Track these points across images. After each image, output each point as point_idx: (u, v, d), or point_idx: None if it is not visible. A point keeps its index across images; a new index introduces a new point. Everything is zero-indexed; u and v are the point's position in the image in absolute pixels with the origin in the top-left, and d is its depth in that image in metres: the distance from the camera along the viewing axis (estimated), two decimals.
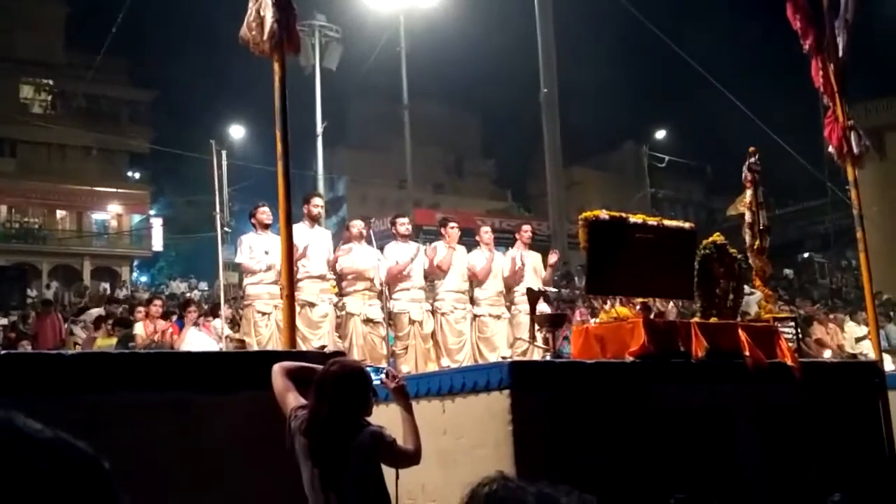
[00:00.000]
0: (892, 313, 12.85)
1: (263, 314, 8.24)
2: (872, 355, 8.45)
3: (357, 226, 9.14)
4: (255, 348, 7.87)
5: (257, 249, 8.42)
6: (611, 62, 22.55)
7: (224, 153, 17.41)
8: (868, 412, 6.51)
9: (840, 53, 10.39)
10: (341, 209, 31.57)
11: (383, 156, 30.26)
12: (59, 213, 38.97)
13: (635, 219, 6.79)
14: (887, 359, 9.05)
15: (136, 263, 39.61)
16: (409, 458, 3.94)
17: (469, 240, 9.84)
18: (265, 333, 8.18)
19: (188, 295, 23.27)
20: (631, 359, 5.70)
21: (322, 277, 8.60)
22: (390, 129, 26.15)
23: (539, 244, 11.21)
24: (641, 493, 4.85)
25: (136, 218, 39.77)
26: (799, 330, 8.22)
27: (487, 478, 0.98)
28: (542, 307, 8.17)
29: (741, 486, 5.46)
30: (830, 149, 9.63)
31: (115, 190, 38.43)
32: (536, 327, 6.85)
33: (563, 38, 22.83)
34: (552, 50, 22.09)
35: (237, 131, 30.92)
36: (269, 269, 8.29)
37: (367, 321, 8.67)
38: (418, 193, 25.79)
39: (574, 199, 25.05)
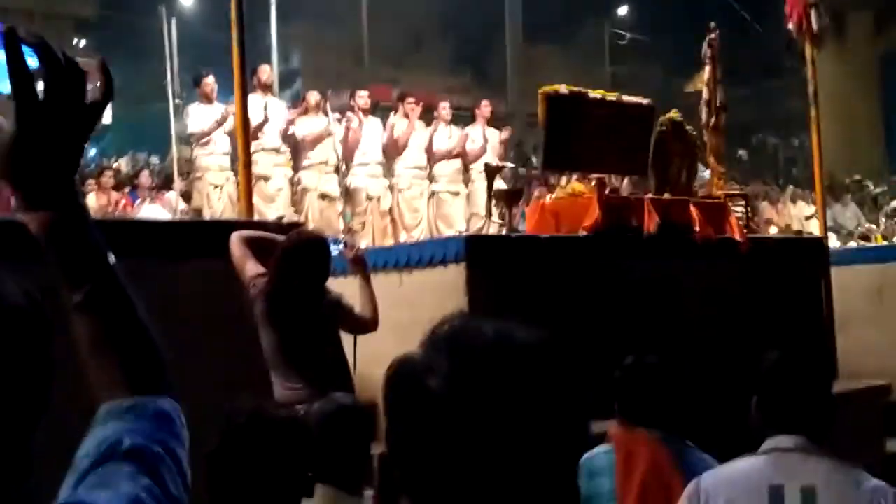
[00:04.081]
0: (848, 195, 13.14)
1: (216, 186, 8.16)
2: (818, 233, 8.70)
3: (314, 96, 8.99)
4: None
5: (205, 120, 8.26)
6: None
7: (174, 20, 16.76)
8: (811, 286, 6.75)
9: None
10: (295, 83, 30.78)
11: (340, 29, 29.36)
12: None
13: (594, 94, 6.77)
14: (832, 237, 9.33)
15: None
16: (367, 324, 4.04)
17: (427, 116, 9.75)
18: (218, 207, 8.12)
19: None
20: (585, 233, 5.80)
21: (277, 150, 8.49)
22: (347, 2, 25.28)
23: (497, 123, 11.14)
24: (592, 357, 5.02)
25: None
26: (749, 208, 8.40)
27: (448, 315, 1.01)
28: (499, 183, 8.21)
29: (689, 353, 5.67)
30: (790, 25, 9.57)
31: None
32: (493, 202, 6.91)
33: None
34: None
35: None
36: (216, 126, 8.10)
37: (323, 196, 8.64)
38: (375, 69, 25.24)
39: (534, 77, 24.71)
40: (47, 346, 0.90)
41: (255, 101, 7.92)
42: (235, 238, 3.92)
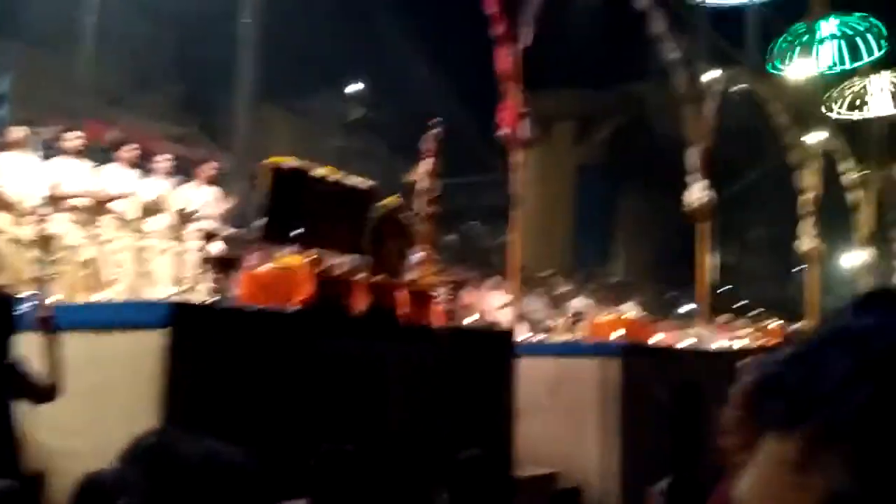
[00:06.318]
0: (540, 289, 14.32)
1: None
2: (510, 323, 9.41)
3: (19, 131, 8.30)
4: None
5: None
6: (321, 3, 22.34)
7: None
8: (498, 374, 7.24)
9: (525, 43, 11.30)
10: (1, 108, 28.14)
11: (61, 58, 27.36)
12: None
13: (318, 171, 6.92)
14: (522, 327, 10.12)
15: None
16: (46, 393, 3.76)
17: (145, 164, 9.37)
18: None
19: None
20: (295, 308, 5.83)
21: None
22: (73, 30, 23.69)
23: (221, 181, 10.94)
24: (290, 440, 5.01)
25: None
26: (453, 294, 8.92)
27: (152, 430, 1.00)
28: (214, 247, 8.03)
29: (386, 437, 5.85)
30: (502, 131, 10.44)
31: None
32: (205, 267, 6.75)
33: None
34: None
35: None
36: None
37: (14, 240, 7.93)
38: (93, 103, 23.70)
39: (264, 138, 24.65)
40: None
41: None
42: None
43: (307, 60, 23.56)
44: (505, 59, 10.97)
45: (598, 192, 26.62)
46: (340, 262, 6.82)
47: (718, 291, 16.07)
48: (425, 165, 8.88)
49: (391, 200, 7.58)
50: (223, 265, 6.51)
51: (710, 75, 15.92)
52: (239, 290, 6.38)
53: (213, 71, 23.55)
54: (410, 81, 24.16)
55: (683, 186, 13.54)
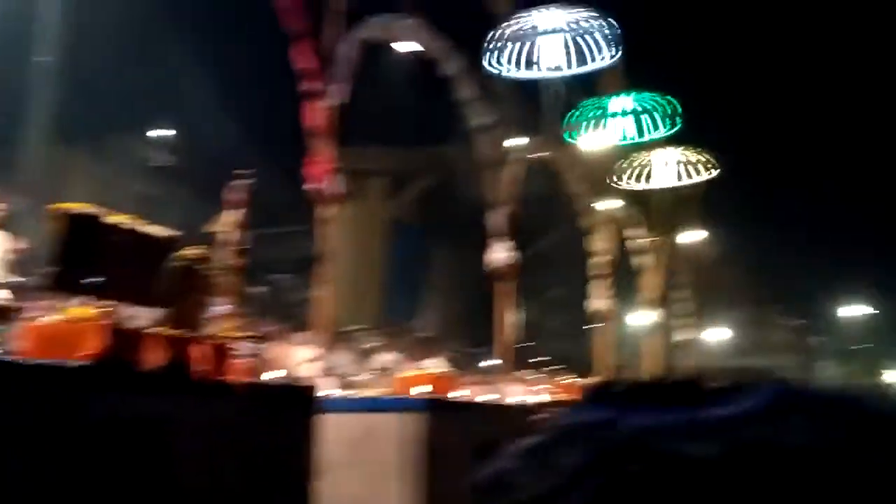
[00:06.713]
0: (347, 343, 14.26)
1: None
2: (316, 378, 9.30)
3: None
4: None
5: None
6: (127, 45, 21.52)
7: None
8: (300, 431, 7.09)
9: (339, 100, 11.43)
10: None
11: None
12: None
13: (112, 218, 6.60)
14: (327, 382, 10.02)
15: None
16: None
17: None
18: None
19: None
20: (82, 363, 5.48)
21: None
22: None
23: (8, 224, 10.16)
24: None
25: None
26: (257, 348, 8.71)
27: None
28: None
29: (177, 501, 5.56)
30: (311, 185, 10.43)
31: None
32: None
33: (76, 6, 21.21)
34: (56, 16, 20.44)
35: None
36: None
37: None
38: None
39: (60, 181, 23.26)
40: None
41: None
42: None
43: (109, 102, 22.60)
44: (315, 114, 11.03)
45: (409, 249, 27.12)
46: (135, 315, 6.50)
47: (519, 347, 16.66)
48: (232, 216, 8.69)
49: (192, 251, 7.35)
50: (2, 315, 6.04)
51: (514, 142, 16.74)
52: (21, 342, 5.92)
53: (6, 108, 22.09)
54: (218, 129, 23.76)
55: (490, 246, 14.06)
